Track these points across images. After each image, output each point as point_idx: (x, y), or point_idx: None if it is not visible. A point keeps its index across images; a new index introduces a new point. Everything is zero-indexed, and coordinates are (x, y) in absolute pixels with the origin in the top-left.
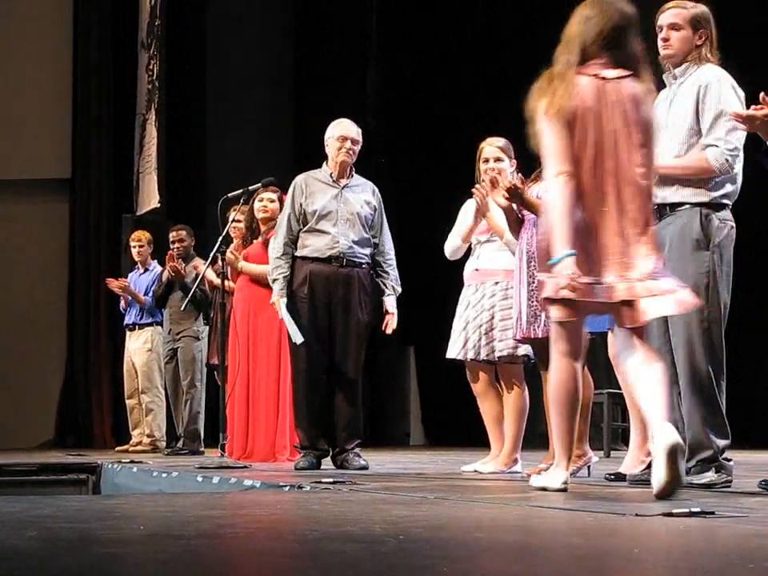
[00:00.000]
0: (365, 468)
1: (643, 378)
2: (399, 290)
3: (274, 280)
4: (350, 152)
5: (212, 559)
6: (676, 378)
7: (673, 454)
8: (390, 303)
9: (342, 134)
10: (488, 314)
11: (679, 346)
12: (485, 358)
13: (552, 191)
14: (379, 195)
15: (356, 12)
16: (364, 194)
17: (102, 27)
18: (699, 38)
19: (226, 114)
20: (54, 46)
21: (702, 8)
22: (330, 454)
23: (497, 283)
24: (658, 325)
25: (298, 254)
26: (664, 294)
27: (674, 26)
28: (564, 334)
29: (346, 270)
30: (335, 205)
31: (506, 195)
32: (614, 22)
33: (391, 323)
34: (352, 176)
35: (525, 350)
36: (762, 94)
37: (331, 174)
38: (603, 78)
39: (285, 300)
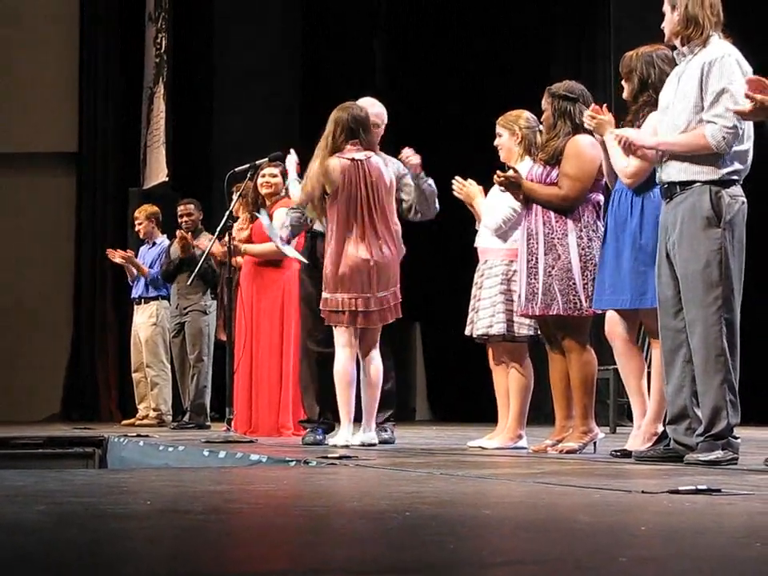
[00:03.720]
0: (373, 444)
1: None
2: None
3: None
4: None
5: (219, 535)
6: (690, 357)
7: None
8: None
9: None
10: (478, 292)
11: (693, 324)
12: (475, 337)
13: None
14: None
15: None
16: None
17: (109, 0)
18: (678, 15)
19: (233, 87)
20: (61, 19)
21: None
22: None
23: (486, 261)
24: (672, 303)
25: (320, 229)
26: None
27: (665, 9)
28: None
29: None
30: None
31: (501, 189)
32: (354, 116)
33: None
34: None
35: (503, 327)
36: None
37: None
38: (356, 160)
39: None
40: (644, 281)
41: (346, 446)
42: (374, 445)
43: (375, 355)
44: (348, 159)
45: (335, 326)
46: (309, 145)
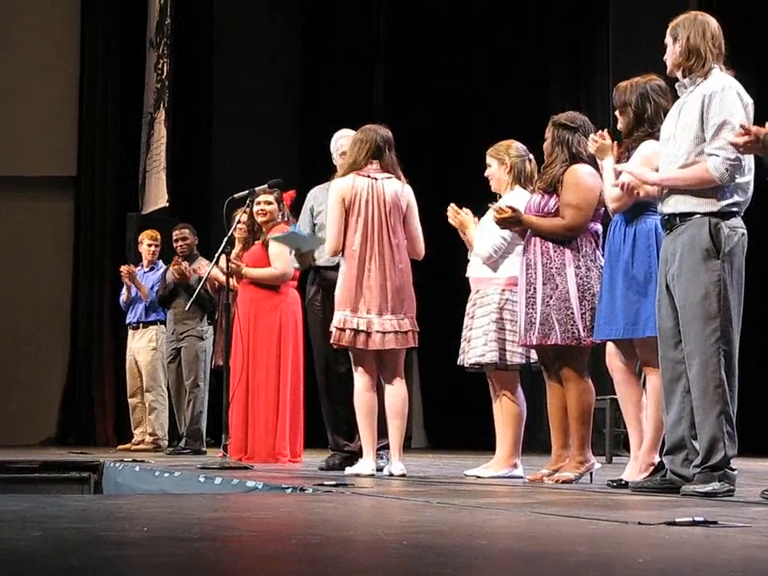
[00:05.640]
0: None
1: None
2: None
3: None
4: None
5: (215, 562)
6: (689, 387)
7: None
8: None
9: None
10: (470, 322)
11: (692, 356)
12: (467, 366)
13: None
14: None
15: (363, 13)
16: None
17: (109, 25)
18: (680, 47)
19: (234, 113)
20: (61, 43)
21: (684, 15)
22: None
23: (478, 291)
24: (672, 334)
25: (313, 264)
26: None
27: (667, 41)
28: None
29: None
30: None
31: (500, 226)
32: (377, 140)
33: None
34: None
35: (495, 356)
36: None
37: None
38: (372, 178)
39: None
40: (636, 311)
41: (372, 476)
42: (403, 475)
43: (396, 383)
44: (365, 176)
45: (350, 349)
46: (308, 170)
